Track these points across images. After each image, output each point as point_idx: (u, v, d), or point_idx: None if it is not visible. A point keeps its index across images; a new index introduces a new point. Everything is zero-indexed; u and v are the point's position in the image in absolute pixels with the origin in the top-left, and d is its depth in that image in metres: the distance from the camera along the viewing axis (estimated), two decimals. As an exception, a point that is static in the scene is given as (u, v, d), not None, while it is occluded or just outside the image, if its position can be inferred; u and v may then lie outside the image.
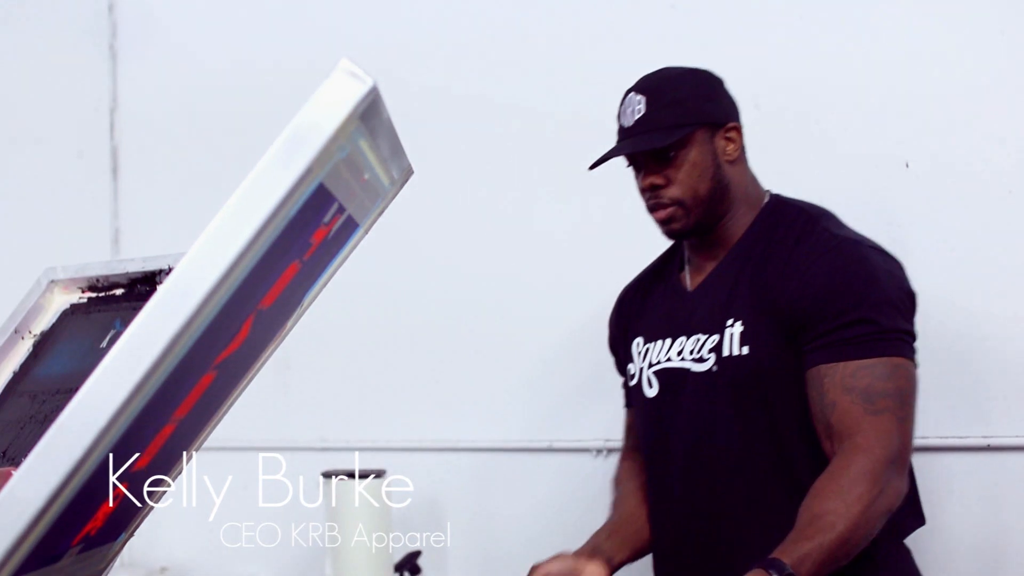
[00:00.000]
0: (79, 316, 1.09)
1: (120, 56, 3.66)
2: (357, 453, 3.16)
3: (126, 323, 0.77)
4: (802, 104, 2.77)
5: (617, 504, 2.30)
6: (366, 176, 0.86)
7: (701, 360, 2.07)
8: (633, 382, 2.21)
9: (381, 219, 0.98)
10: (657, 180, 2.14)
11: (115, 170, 3.64)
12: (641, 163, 2.17)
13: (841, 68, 2.72)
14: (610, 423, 2.94)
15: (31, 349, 1.08)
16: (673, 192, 2.11)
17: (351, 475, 2.87)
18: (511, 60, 3.10)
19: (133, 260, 1.09)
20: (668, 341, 2.13)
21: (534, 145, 3.07)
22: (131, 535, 0.98)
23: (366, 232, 0.96)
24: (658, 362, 2.14)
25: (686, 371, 2.08)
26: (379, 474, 2.89)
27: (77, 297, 1.11)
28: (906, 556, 2.06)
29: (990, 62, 2.59)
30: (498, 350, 3.10)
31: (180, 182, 3.51)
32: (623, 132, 2.24)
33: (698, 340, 2.08)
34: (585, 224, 3.00)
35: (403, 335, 3.22)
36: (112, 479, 0.80)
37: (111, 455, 0.75)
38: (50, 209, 3.59)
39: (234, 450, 3.33)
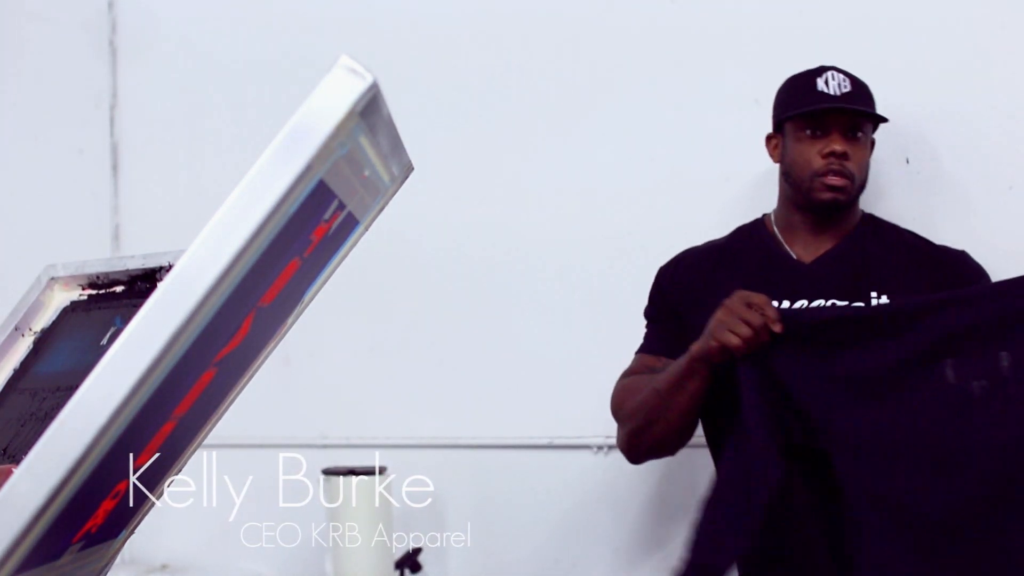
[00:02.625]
0: (79, 313, 1.09)
1: (120, 53, 3.65)
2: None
3: (126, 320, 0.77)
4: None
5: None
6: (366, 173, 0.86)
7: None
8: None
9: (381, 216, 0.98)
10: (845, 148, 2.28)
11: (115, 167, 3.64)
12: (832, 130, 2.30)
13: (841, 64, 2.71)
14: (610, 420, 2.94)
15: (31, 346, 1.08)
16: (851, 166, 2.29)
17: (352, 472, 2.87)
18: (510, 55, 3.10)
19: (133, 257, 1.08)
20: (787, 304, 2.22)
21: (534, 142, 3.07)
22: (132, 532, 0.98)
23: (366, 229, 0.96)
24: None
25: None
26: (380, 471, 2.89)
27: (77, 294, 1.11)
28: None
29: (990, 57, 2.59)
30: (498, 347, 3.10)
31: (180, 179, 3.51)
32: (833, 97, 2.32)
33: (835, 305, 2.21)
34: (586, 223, 3.00)
35: (403, 332, 3.22)
36: (112, 477, 0.80)
37: (112, 452, 0.75)
38: (50, 206, 3.59)
39: (235, 447, 3.33)
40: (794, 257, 2.34)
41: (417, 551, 2.99)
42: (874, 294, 2.22)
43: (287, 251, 0.82)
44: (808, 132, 2.32)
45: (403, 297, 3.21)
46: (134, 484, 0.86)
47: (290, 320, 0.97)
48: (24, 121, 3.62)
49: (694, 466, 2.87)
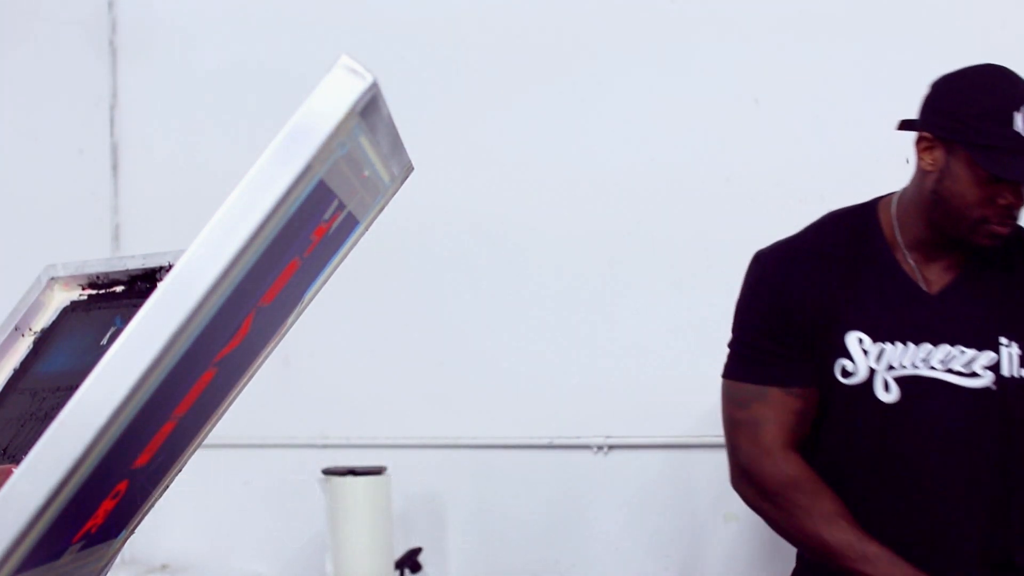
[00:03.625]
0: (79, 313, 1.09)
1: (120, 53, 3.66)
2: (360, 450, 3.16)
3: (126, 320, 0.77)
4: (802, 99, 2.77)
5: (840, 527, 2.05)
6: (366, 173, 0.86)
7: (974, 375, 2.04)
8: (853, 380, 2.07)
9: (382, 216, 0.98)
10: (1020, 199, 2.04)
11: (115, 167, 3.64)
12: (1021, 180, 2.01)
13: (841, 63, 2.72)
14: (610, 420, 2.94)
15: (31, 346, 1.08)
16: (1018, 211, 2.06)
17: (352, 472, 2.87)
18: (510, 56, 3.11)
19: (133, 257, 1.08)
20: (911, 346, 2.05)
21: (534, 141, 3.07)
22: (132, 532, 0.98)
23: (366, 229, 0.96)
24: (902, 367, 2.05)
25: (949, 384, 2.04)
26: (379, 471, 2.89)
27: (77, 294, 1.11)
28: None
29: (990, 56, 2.59)
30: (498, 348, 3.10)
31: (180, 179, 3.51)
32: None
33: (964, 353, 2.04)
34: (586, 224, 3.00)
35: (403, 332, 3.23)
36: (112, 477, 0.80)
37: (112, 452, 0.75)
38: (50, 206, 3.59)
39: (235, 447, 3.34)
40: (921, 286, 2.10)
41: (417, 551, 2.99)
42: (1004, 340, 2.04)
43: (287, 251, 0.82)
44: (984, 171, 1.99)
45: (403, 298, 3.21)
46: (133, 484, 0.86)
47: (290, 320, 0.97)
48: (24, 121, 3.62)
49: (694, 466, 2.87)
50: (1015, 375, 2.02)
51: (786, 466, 2.09)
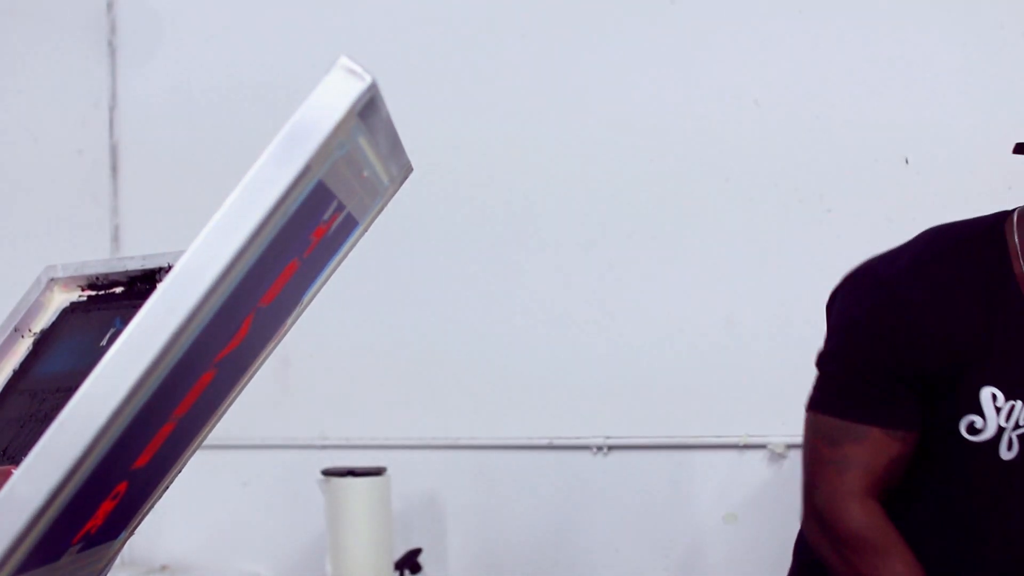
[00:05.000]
0: (79, 314, 1.09)
1: (119, 53, 3.66)
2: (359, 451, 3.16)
3: (126, 321, 0.77)
4: (802, 100, 2.77)
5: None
6: (365, 174, 0.86)
7: None
8: (980, 437, 1.88)
9: (381, 217, 0.98)
10: None
11: (115, 168, 3.64)
12: None
13: (841, 64, 2.72)
14: (610, 420, 2.94)
15: (31, 347, 1.08)
16: None
17: (351, 473, 2.87)
18: (510, 56, 3.11)
19: (133, 258, 1.08)
20: None
21: (533, 142, 3.07)
22: (132, 533, 0.98)
23: (365, 230, 0.96)
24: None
25: None
26: (379, 472, 2.89)
27: (77, 295, 1.11)
28: None
29: (989, 57, 2.59)
30: (498, 347, 3.10)
31: (179, 180, 3.51)
32: None
33: None
34: (585, 224, 3.00)
35: (403, 333, 3.23)
36: (112, 478, 0.80)
37: (111, 453, 0.75)
38: (50, 207, 3.59)
39: (235, 448, 3.34)
40: None
41: (417, 551, 2.99)
42: None
43: (286, 252, 0.82)
44: None
45: (402, 298, 3.21)
46: (133, 485, 0.86)
47: (290, 321, 0.97)
48: (24, 122, 3.62)
49: (694, 467, 2.87)
50: None
51: (865, 516, 1.90)
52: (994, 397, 1.87)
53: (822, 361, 1.99)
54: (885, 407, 1.90)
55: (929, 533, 1.93)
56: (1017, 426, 1.87)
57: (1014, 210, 1.94)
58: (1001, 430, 1.87)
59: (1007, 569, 1.91)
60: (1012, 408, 1.86)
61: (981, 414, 1.87)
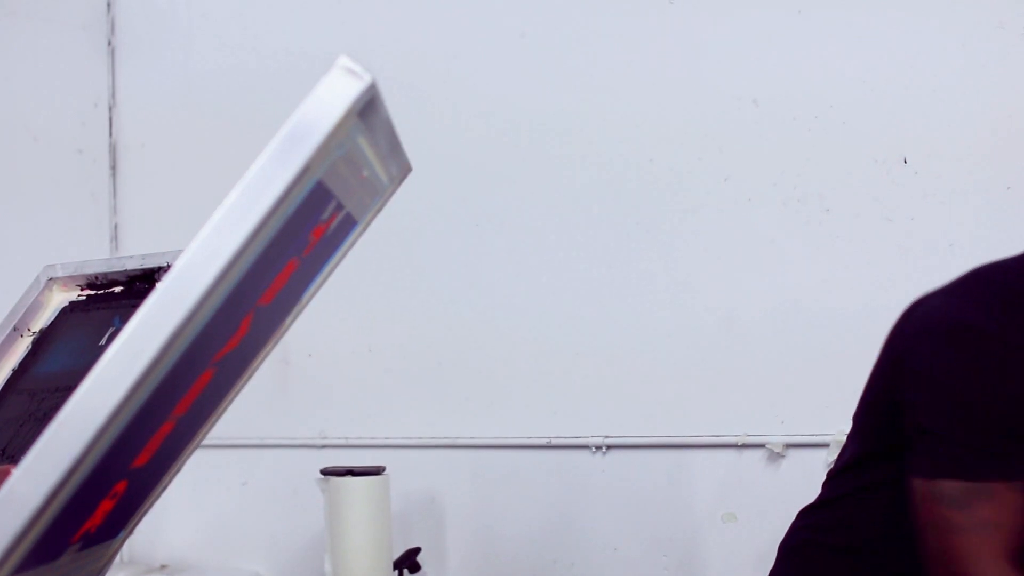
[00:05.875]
0: (78, 314, 1.09)
1: (119, 53, 3.66)
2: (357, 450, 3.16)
3: (125, 320, 0.77)
4: (801, 100, 2.77)
5: None
6: (365, 173, 0.86)
7: None
8: None
9: (379, 216, 0.98)
10: None
11: (114, 167, 3.64)
12: None
13: (840, 64, 2.72)
14: (608, 420, 2.94)
15: (30, 347, 1.08)
16: None
17: (350, 472, 2.88)
18: (509, 57, 3.11)
19: (132, 257, 1.09)
20: None
21: (533, 142, 3.07)
22: (131, 532, 0.98)
23: (364, 229, 0.96)
24: None
25: None
26: (378, 471, 2.89)
27: (76, 295, 1.11)
28: None
29: (988, 57, 2.59)
30: (497, 347, 3.10)
31: (179, 179, 3.51)
32: None
33: None
34: (582, 220, 3.00)
35: (402, 332, 3.23)
36: (111, 477, 0.80)
37: (110, 453, 0.75)
38: (49, 206, 3.59)
39: (234, 447, 3.34)
40: None
41: (416, 551, 2.99)
42: None
43: (285, 251, 0.82)
44: None
45: (401, 298, 3.21)
46: (132, 485, 0.86)
47: (288, 320, 0.97)
48: (23, 121, 3.62)
49: (692, 466, 2.87)
50: None
51: None
52: None
53: (925, 421, 1.84)
54: (1004, 459, 1.76)
55: None
56: None
57: None
58: None
59: None
60: None
61: None
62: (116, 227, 3.65)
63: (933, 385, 1.83)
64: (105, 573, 0.98)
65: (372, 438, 3.22)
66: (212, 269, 0.73)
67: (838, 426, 2.56)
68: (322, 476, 2.92)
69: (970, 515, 1.75)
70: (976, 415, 1.77)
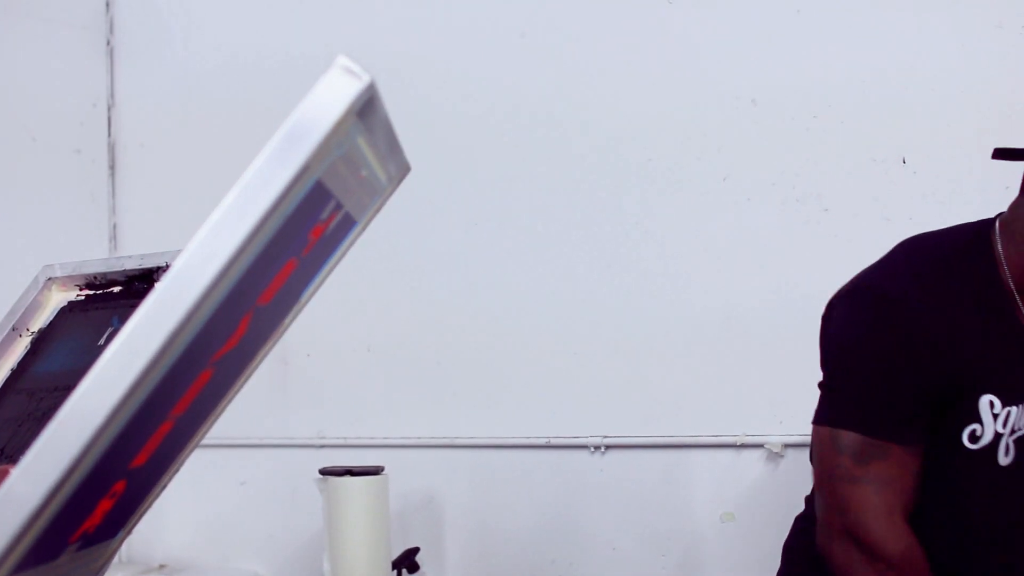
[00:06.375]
0: (76, 313, 1.09)
1: (118, 53, 3.66)
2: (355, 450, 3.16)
3: (123, 320, 0.77)
4: (800, 99, 2.77)
5: None
6: (364, 173, 0.86)
7: None
8: (979, 444, 1.89)
9: (378, 216, 0.98)
10: None
11: (113, 167, 3.64)
12: None
13: (838, 64, 2.72)
14: (607, 420, 2.94)
15: (29, 346, 1.08)
16: None
17: (349, 472, 2.87)
18: (508, 57, 3.11)
19: (131, 257, 1.09)
20: (1014, 410, 1.88)
21: (532, 142, 3.07)
22: (129, 532, 0.98)
23: (363, 229, 0.96)
24: (1020, 429, 1.88)
25: None
26: (377, 471, 2.89)
27: (75, 294, 1.11)
28: None
29: (987, 57, 2.59)
30: (496, 347, 3.10)
31: (177, 179, 3.51)
32: None
33: None
34: (581, 220, 3.00)
35: (400, 332, 3.23)
36: (110, 477, 0.80)
37: (109, 453, 0.75)
38: (48, 206, 3.59)
39: (232, 447, 3.34)
40: None
41: (414, 550, 2.99)
42: None
43: (284, 251, 0.82)
44: None
45: (400, 297, 3.21)
46: (131, 484, 0.86)
47: (287, 320, 0.97)
48: (22, 121, 3.62)
49: (691, 466, 2.87)
50: None
51: (907, 537, 1.90)
52: (992, 404, 1.88)
53: (832, 377, 1.98)
54: (903, 424, 1.89)
55: (937, 546, 1.92)
56: (1013, 431, 1.88)
57: (996, 218, 1.97)
58: (998, 436, 1.88)
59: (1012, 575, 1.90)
60: (1008, 414, 1.88)
61: (981, 422, 1.88)
62: (115, 227, 3.65)
63: (840, 344, 1.97)
64: (104, 573, 0.98)
65: (371, 438, 3.22)
66: (211, 269, 0.73)
67: (837, 426, 2.55)
68: (321, 476, 2.92)
69: (867, 470, 1.89)
70: (876, 375, 1.89)
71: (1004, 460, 1.89)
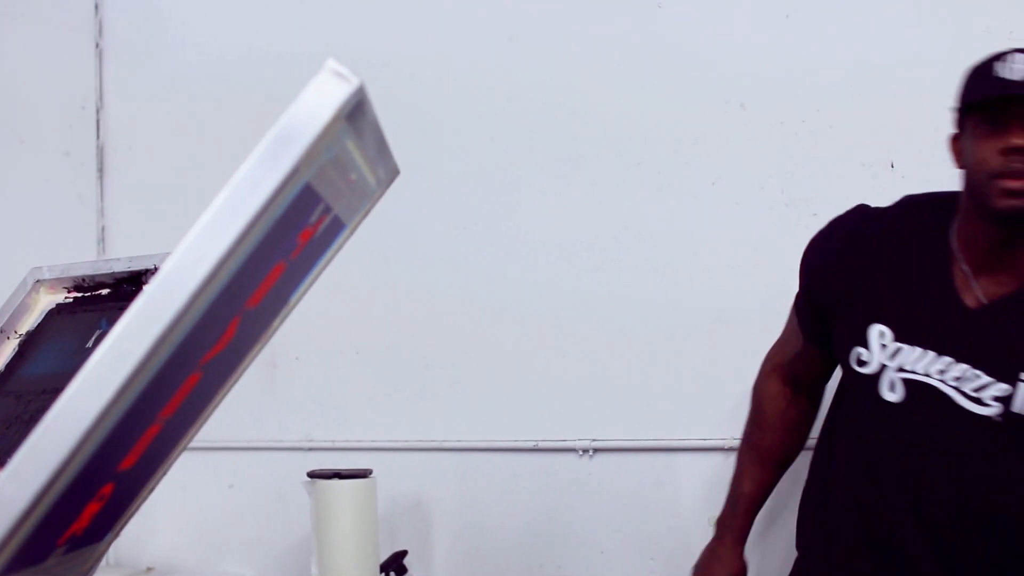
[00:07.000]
0: (65, 316, 1.09)
1: (107, 55, 3.65)
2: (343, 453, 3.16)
3: (112, 323, 0.77)
4: (788, 104, 2.78)
5: (761, 431, 2.46)
6: (353, 176, 0.87)
7: (980, 403, 1.95)
8: (865, 370, 2.07)
9: (367, 219, 0.98)
10: None
11: (101, 170, 3.63)
12: (1012, 121, 1.90)
13: (827, 68, 2.72)
14: (595, 423, 2.95)
15: (17, 349, 1.08)
16: None
17: (337, 475, 2.87)
18: (498, 61, 3.11)
19: (119, 260, 1.09)
20: (931, 355, 2.00)
21: (521, 144, 3.07)
22: (117, 535, 0.98)
23: (352, 232, 0.96)
24: (913, 372, 2.01)
25: (953, 402, 1.97)
26: (365, 474, 2.89)
27: (63, 297, 1.11)
28: None
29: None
30: (483, 350, 3.10)
31: (166, 182, 3.50)
32: (1011, 84, 1.90)
33: (979, 378, 1.95)
34: (570, 223, 3.00)
35: (389, 335, 3.22)
36: (97, 480, 0.80)
37: (97, 455, 0.75)
38: (36, 209, 3.59)
39: (220, 450, 3.33)
40: (962, 297, 2.00)
41: (402, 554, 2.99)
42: None
43: (273, 254, 0.82)
44: (986, 126, 1.93)
45: (389, 300, 3.21)
46: (118, 487, 0.86)
47: (276, 323, 0.97)
48: (10, 123, 3.61)
49: (679, 469, 2.87)
50: None
51: (768, 384, 2.43)
52: (882, 334, 2.05)
53: None
54: (800, 314, 2.29)
55: (839, 463, 2.15)
56: (902, 370, 2.02)
57: None
58: (883, 368, 2.04)
59: (904, 515, 2.03)
60: (899, 350, 2.02)
61: (868, 347, 2.06)
62: (103, 229, 3.64)
63: None
64: (91, 576, 0.98)
65: (359, 441, 3.21)
66: (200, 272, 0.73)
67: (825, 430, 2.56)
68: (309, 479, 2.91)
69: (783, 332, 2.40)
70: (800, 272, 2.27)
71: (890, 395, 2.03)
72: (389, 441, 3.17)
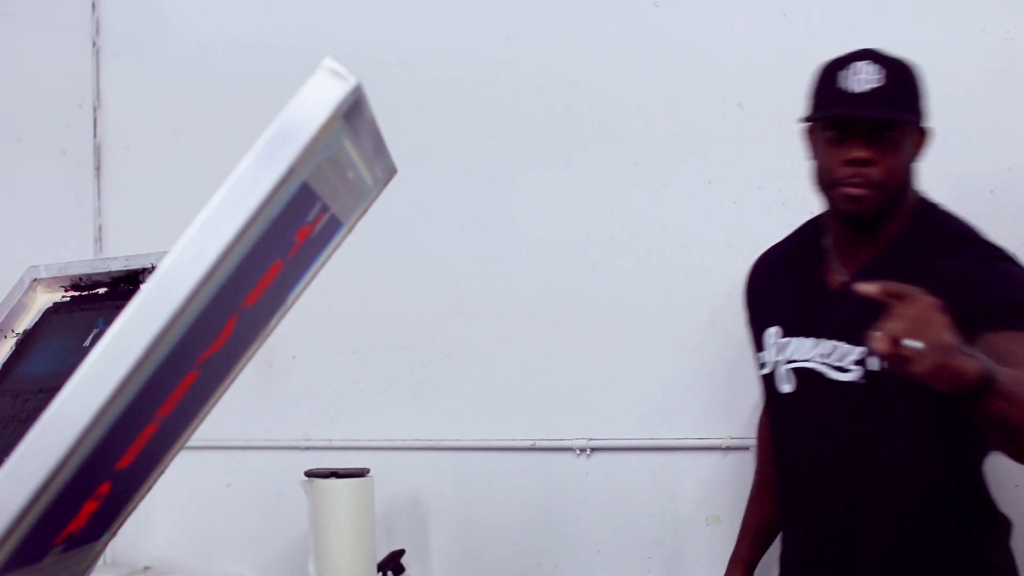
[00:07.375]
0: (62, 315, 1.09)
1: (104, 54, 3.65)
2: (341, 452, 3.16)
3: (109, 322, 0.77)
4: (786, 104, 2.78)
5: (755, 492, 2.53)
6: (350, 175, 0.87)
7: (843, 370, 2.08)
8: (765, 371, 2.25)
9: (365, 218, 0.98)
10: (866, 155, 2.04)
11: (98, 168, 3.63)
12: (853, 133, 2.05)
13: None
14: (593, 422, 2.95)
15: (13, 348, 1.07)
16: (876, 173, 2.04)
17: (334, 474, 2.87)
18: (495, 58, 3.11)
19: (116, 259, 1.08)
20: (809, 340, 2.15)
21: (518, 143, 3.07)
22: (114, 534, 0.98)
23: (349, 231, 0.96)
24: (796, 360, 2.17)
25: (825, 377, 2.11)
26: (362, 473, 2.89)
27: (60, 296, 1.11)
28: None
29: (971, 61, 2.60)
30: (480, 349, 3.10)
31: (163, 181, 3.50)
32: (851, 97, 2.06)
33: (837, 347, 2.09)
34: (567, 222, 3.00)
35: (386, 334, 3.22)
36: (94, 479, 0.80)
37: (94, 454, 0.75)
38: (33, 207, 3.58)
39: (218, 449, 3.33)
40: (825, 281, 2.18)
41: (400, 553, 2.98)
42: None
43: (270, 253, 0.82)
44: (831, 134, 2.08)
45: (386, 299, 3.21)
46: (115, 486, 0.86)
47: (273, 322, 0.97)
48: (7, 122, 3.61)
49: (676, 469, 2.87)
50: (881, 368, 2.00)
51: (763, 419, 2.47)
52: (773, 335, 2.23)
53: None
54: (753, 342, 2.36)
55: (779, 472, 2.30)
56: (790, 361, 2.17)
57: None
58: (776, 364, 2.20)
59: (809, 502, 2.19)
60: (787, 344, 2.19)
61: (765, 349, 2.25)
62: (100, 228, 3.64)
63: None
64: (88, 575, 0.98)
65: (356, 440, 3.21)
66: (197, 271, 0.73)
67: (822, 429, 2.56)
68: (306, 478, 2.91)
69: None
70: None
71: (785, 387, 2.19)
72: (386, 440, 3.17)
